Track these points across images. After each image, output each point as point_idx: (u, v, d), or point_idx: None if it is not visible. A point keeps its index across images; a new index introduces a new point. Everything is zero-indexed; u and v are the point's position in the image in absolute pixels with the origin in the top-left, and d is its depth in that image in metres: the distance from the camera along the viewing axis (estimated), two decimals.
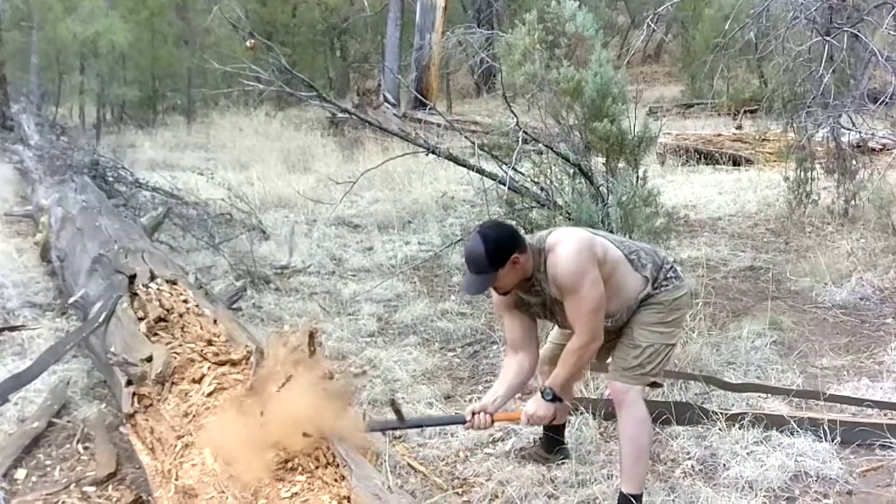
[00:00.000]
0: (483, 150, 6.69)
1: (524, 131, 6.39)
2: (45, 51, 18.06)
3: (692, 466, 4.02)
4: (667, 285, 3.62)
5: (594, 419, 4.39)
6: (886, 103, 7.47)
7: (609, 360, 3.83)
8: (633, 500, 3.57)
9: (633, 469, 3.59)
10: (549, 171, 6.60)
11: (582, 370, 3.64)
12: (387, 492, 2.95)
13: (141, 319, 4.30)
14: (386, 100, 17.93)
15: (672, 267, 3.70)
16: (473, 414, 3.58)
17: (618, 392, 3.62)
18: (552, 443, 4.14)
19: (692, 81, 21.51)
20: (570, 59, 6.12)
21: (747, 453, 4.05)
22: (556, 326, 3.88)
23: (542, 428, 4.19)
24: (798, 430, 4.19)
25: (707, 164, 12.54)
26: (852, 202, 8.45)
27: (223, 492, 2.97)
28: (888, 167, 8.40)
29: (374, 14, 25.12)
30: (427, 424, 3.96)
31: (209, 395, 3.56)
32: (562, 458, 4.11)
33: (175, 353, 3.90)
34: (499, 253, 3.39)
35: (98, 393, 4.80)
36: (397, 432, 4.22)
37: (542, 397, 3.54)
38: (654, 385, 3.73)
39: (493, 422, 3.61)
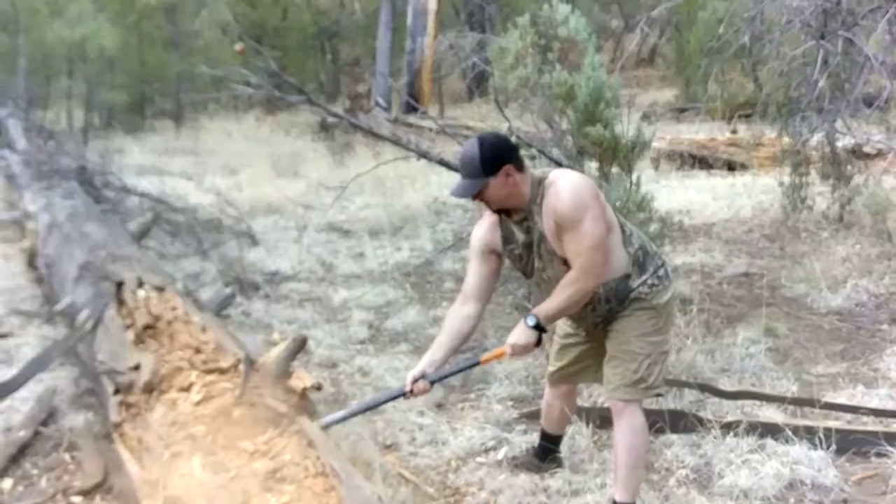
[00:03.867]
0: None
1: (516, 136, 6.36)
2: (33, 55, 18.02)
3: (686, 475, 3.99)
4: (658, 286, 3.51)
5: (587, 427, 4.34)
6: (881, 108, 7.47)
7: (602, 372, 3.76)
8: None
9: (628, 477, 3.55)
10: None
11: (573, 308, 3.40)
12: (377, 501, 2.94)
13: (128, 327, 4.29)
14: (377, 104, 17.97)
15: (664, 265, 3.58)
16: (415, 380, 3.50)
17: (616, 406, 3.57)
18: (546, 452, 4.10)
19: (686, 85, 21.57)
20: (563, 62, 6.10)
21: (742, 461, 4.02)
22: (542, 288, 3.63)
23: (539, 437, 4.16)
24: (793, 437, 4.16)
25: (701, 169, 12.57)
26: (847, 207, 8.46)
27: (211, 502, 2.96)
28: (883, 172, 8.42)
29: (366, 17, 25.18)
30: (371, 407, 3.80)
31: (197, 403, 3.57)
32: (554, 467, 4.07)
33: (163, 361, 3.90)
34: (492, 159, 3.29)
35: (85, 401, 4.73)
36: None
37: (526, 324, 3.34)
38: (656, 395, 3.69)
39: (431, 386, 3.54)
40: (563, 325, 3.85)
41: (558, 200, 3.26)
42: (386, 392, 3.84)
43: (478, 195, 3.37)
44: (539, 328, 3.34)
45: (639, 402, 3.57)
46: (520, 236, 3.49)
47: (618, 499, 3.55)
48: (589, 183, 3.41)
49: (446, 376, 3.62)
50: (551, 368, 3.95)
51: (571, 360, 3.83)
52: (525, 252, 3.50)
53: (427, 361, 3.54)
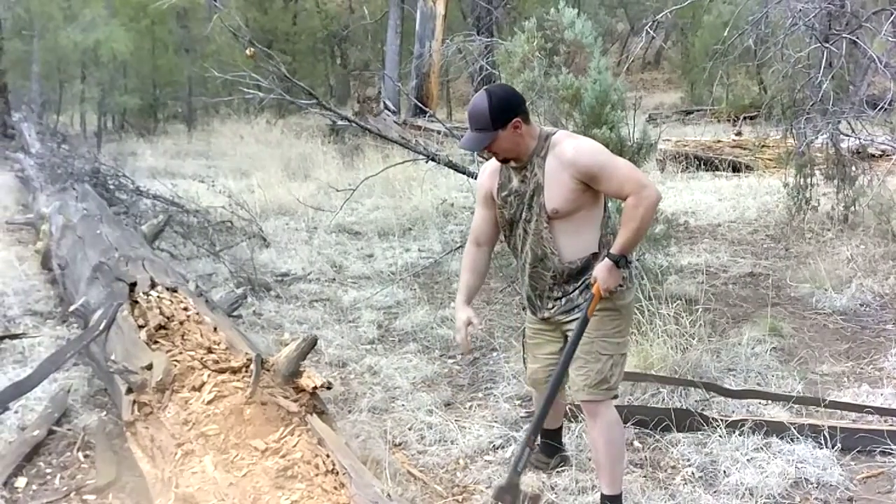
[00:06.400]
0: (483, 158, 6.70)
1: None
2: (47, 59, 18.09)
3: (692, 473, 4.01)
4: (622, 286, 3.51)
5: None
6: (885, 109, 7.48)
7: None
8: (616, 500, 3.60)
9: (613, 470, 3.59)
10: None
11: (646, 227, 3.43)
12: (386, 499, 2.96)
13: (141, 327, 4.30)
14: (386, 107, 17.97)
15: (630, 264, 3.56)
16: (468, 325, 3.67)
17: (588, 405, 3.60)
18: (551, 449, 4.13)
19: (692, 88, 21.60)
20: (569, 66, 6.13)
21: (748, 460, 4.05)
22: (523, 268, 3.70)
23: (540, 435, 4.19)
24: (798, 436, 4.20)
25: (707, 171, 12.59)
26: (852, 208, 8.46)
27: (223, 500, 2.98)
28: (887, 173, 8.42)
29: (374, 22, 25.22)
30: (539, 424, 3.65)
31: (209, 402, 3.56)
32: (561, 464, 4.11)
33: (175, 360, 3.90)
34: (502, 112, 3.36)
35: (98, 401, 4.80)
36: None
37: (617, 266, 3.38)
38: (614, 397, 3.66)
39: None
40: (528, 326, 3.89)
41: (578, 156, 3.37)
42: (536, 417, 3.66)
43: (486, 147, 3.46)
44: (622, 262, 3.40)
45: (609, 401, 3.60)
46: (515, 183, 3.55)
47: (606, 492, 3.59)
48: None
49: (570, 356, 3.52)
50: (528, 372, 3.98)
51: (541, 362, 3.82)
52: (516, 200, 3.56)
53: (465, 306, 3.73)
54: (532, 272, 3.60)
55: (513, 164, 3.52)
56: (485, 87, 3.49)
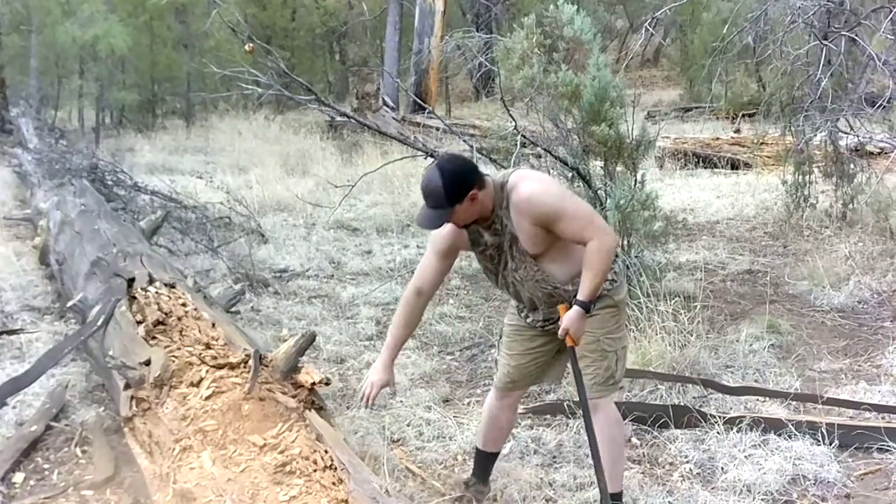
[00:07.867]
0: (482, 154, 6.70)
1: (522, 135, 6.40)
2: (45, 54, 18.06)
3: (690, 470, 4.03)
4: (616, 282, 3.52)
5: None
6: (884, 107, 7.50)
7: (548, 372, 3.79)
8: (616, 498, 3.58)
9: (615, 469, 3.57)
10: (547, 174, 6.61)
11: (607, 272, 3.35)
12: (384, 495, 2.96)
13: (139, 323, 4.30)
14: (385, 103, 17.94)
15: (616, 259, 3.52)
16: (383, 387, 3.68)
17: (592, 402, 3.54)
18: (487, 476, 3.97)
19: (690, 85, 21.55)
20: (569, 62, 6.13)
21: (745, 457, 4.07)
22: (516, 302, 3.68)
23: (478, 459, 3.98)
24: (796, 433, 4.22)
25: (705, 168, 12.58)
26: (850, 206, 8.48)
27: (221, 495, 2.98)
28: (886, 171, 8.42)
29: (374, 18, 25.17)
30: None
31: (207, 398, 3.57)
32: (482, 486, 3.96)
33: (173, 356, 3.90)
34: (456, 188, 3.25)
35: (96, 396, 4.79)
36: None
37: (579, 310, 3.30)
38: (619, 389, 3.70)
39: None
40: (511, 323, 3.79)
41: (532, 202, 3.28)
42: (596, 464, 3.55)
43: (446, 222, 3.37)
44: (589, 308, 3.34)
45: (611, 396, 3.60)
46: (488, 238, 3.48)
47: (609, 490, 3.56)
48: (546, 176, 3.55)
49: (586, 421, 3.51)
50: (502, 371, 3.81)
51: (524, 358, 3.73)
52: (496, 252, 3.50)
53: (388, 367, 3.71)
54: (543, 310, 3.57)
55: (482, 224, 3.43)
56: (435, 163, 3.38)
